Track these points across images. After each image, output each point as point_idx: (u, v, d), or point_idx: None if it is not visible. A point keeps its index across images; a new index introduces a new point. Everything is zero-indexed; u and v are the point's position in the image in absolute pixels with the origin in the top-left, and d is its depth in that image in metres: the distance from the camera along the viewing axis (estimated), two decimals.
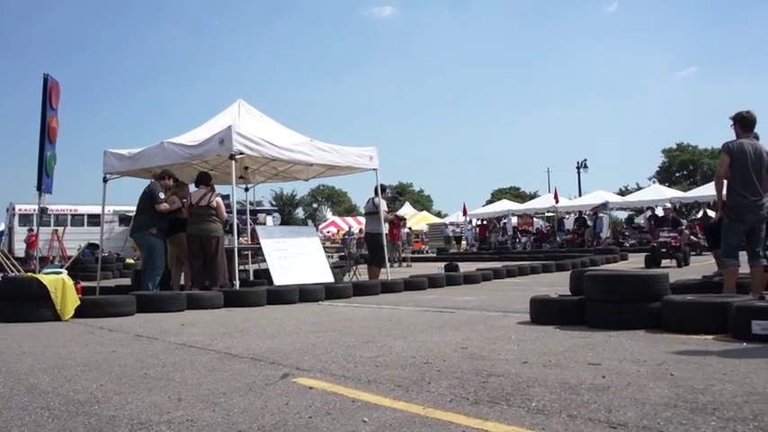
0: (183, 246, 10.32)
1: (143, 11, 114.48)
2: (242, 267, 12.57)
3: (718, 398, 3.27)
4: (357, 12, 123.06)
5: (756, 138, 6.87)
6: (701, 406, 3.12)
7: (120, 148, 11.89)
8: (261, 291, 9.66)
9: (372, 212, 12.99)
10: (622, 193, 52.83)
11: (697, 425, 2.82)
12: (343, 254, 20.15)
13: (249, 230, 14.57)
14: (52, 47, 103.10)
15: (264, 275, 11.94)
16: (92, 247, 23.72)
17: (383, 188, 12.91)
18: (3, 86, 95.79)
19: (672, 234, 16.91)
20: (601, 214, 31.55)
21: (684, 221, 24.42)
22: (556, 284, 10.79)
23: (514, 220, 37.38)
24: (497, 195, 67.23)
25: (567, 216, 36.40)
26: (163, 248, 10.19)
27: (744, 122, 6.80)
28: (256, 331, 6.47)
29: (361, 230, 30.90)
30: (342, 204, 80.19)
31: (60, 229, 25.59)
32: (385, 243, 12.68)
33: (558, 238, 32.69)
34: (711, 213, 23.48)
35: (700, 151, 74.65)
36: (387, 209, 12.82)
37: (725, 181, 6.79)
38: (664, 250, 16.67)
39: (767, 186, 6.76)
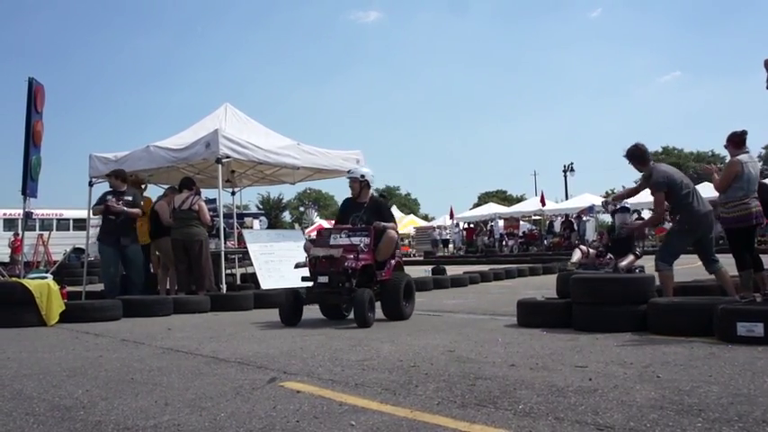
0: (168, 250, 10.27)
1: (128, 15, 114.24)
2: (229, 271, 12.52)
3: (704, 399, 3.29)
4: (342, 17, 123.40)
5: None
6: (686, 408, 3.14)
7: (105, 152, 11.83)
8: (248, 295, 9.62)
9: None
10: (609, 196, 53.08)
11: (683, 426, 2.83)
12: None
13: (236, 234, 14.52)
14: (37, 51, 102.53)
15: (251, 279, 11.90)
16: (77, 251, 23.53)
17: None
18: None
19: (356, 240, 7.54)
20: (586, 218, 31.67)
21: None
22: (543, 287, 10.83)
23: (501, 223, 37.44)
24: (484, 198, 67.21)
25: (557, 218, 36.54)
26: (106, 254, 10.07)
27: (736, 139, 6.81)
28: (243, 335, 6.44)
29: None
30: (329, 208, 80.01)
31: (46, 233, 25.36)
32: None
33: (545, 241, 32.81)
34: (645, 214, 23.02)
35: (685, 155, 74.96)
36: None
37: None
38: (311, 284, 7.45)
39: None
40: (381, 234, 7.75)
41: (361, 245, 7.45)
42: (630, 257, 9.30)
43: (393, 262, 7.90)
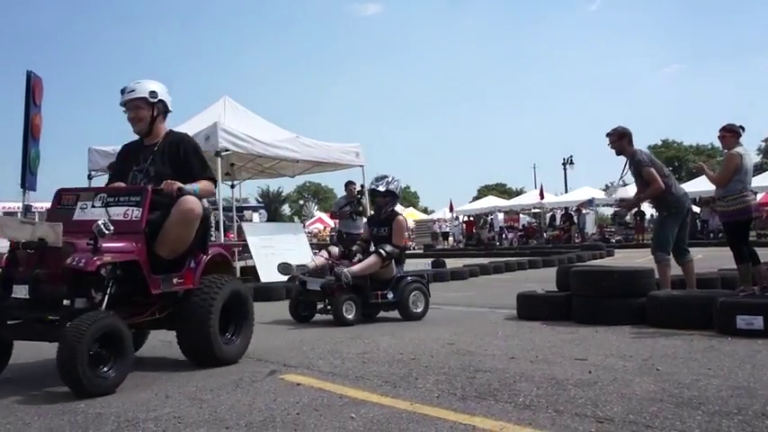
0: None
1: (128, 7, 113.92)
2: None
3: (704, 392, 3.29)
4: (341, 9, 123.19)
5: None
6: (686, 400, 3.14)
7: (105, 145, 11.82)
8: (247, 288, 9.58)
9: None
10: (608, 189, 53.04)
11: (683, 419, 2.84)
12: None
13: (235, 227, 14.51)
14: (35, 43, 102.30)
15: (251, 272, 11.91)
16: None
17: (346, 185, 12.61)
18: None
19: (118, 211, 4.03)
20: (585, 211, 31.67)
21: None
22: (543, 280, 10.80)
23: (501, 216, 37.44)
24: (484, 192, 67.12)
25: (558, 212, 36.52)
26: None
27: (738, 130, 6.80)
28: None
29: None
30: (328, 201, 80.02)
31: None
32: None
33: (545, 234, 32.79)
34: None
35: (685, 147, 74.81)
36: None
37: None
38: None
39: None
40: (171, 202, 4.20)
41: (107, 220, 3.84)
42: (371, 260, 6.80)
43: (205, 258, 4.46)
